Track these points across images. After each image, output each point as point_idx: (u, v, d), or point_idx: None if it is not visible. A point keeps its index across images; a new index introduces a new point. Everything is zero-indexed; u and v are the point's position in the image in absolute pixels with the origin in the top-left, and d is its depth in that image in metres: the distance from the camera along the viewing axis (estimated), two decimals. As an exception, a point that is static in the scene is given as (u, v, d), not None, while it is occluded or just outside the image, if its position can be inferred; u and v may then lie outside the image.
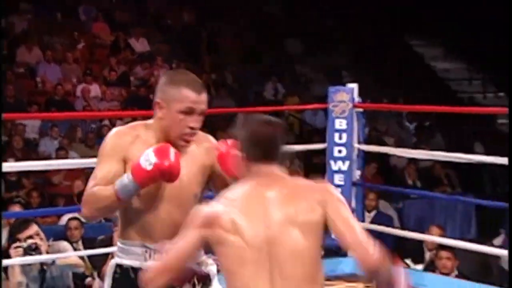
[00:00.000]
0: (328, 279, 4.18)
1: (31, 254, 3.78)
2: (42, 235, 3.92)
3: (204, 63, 10.98)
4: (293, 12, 12.84)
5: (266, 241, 1.77)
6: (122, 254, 2.13)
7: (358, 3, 12.76)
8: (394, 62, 12.77)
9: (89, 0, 11.08)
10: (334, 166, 4.48)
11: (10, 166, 5.38)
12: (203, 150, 2.16)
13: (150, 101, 9.08)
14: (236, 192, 1.85)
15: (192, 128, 2.06)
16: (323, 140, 4.69)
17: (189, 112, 2.04)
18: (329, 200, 1.83)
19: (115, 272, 2.13)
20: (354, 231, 1.80)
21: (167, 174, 1.97)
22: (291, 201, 1.81)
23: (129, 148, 2.07)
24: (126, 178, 1.98)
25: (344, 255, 4.70)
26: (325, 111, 4.83)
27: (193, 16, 11.69)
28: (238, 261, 1.77)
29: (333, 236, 4.99)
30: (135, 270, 2.09)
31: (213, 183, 2.19)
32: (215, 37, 11.50)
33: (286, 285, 1.76)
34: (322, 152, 4.82)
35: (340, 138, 4.44)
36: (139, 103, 9.02)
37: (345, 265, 4.48)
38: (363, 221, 4.76)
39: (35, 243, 3.80)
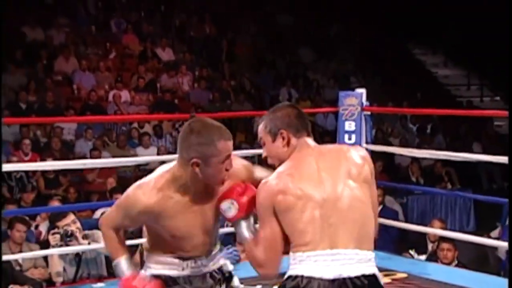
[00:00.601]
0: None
1: (67, 240, 3.82)
2: (78, 224, 3.96)
3: (224, 70, 10.99)
4: (304, 23, 12.82)
5: (324, 201, 1.89)
6: (158, 265, 2.08)
7: (364, 15, 12.72)
8: (398, 69, 12.71)
9: (120, 14, 11.14)
10: (344, 164, 4.46)
11: (49, 165, 5.43)
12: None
13: (175, 105, 9.12)
14: (291, 166, 1.94)
15: (228, 170, 2.00)
16: (333, 141, 4.67)
17: (226, 159, 1.99)
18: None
19: None
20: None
21: None
22: (335, 165, 1.95)
23: (158, 210, 1.99)
24: (117, 266, 2.07)
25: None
26: (336, 114, 4.80)
27: (214, 28, 11.70)
28: (306, 221, 1.86)
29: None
30: (173, 279, 2.08)
31: None
32: (234, 46, 11.51)
33: (347, 238, 1.88)
34: (333, 151, 4.77)
35: (350, 138, 4.42)
36: (165, 107, 9.07)
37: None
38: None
39: (71, 230, 3.84)
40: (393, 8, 12.58)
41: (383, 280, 3.99)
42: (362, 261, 1.88)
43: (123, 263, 2.06)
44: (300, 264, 1.87)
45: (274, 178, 1.93)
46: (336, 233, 1.87)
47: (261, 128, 2.02)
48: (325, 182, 1.91)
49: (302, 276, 1.86)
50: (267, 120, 2.01)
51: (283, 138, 1.97)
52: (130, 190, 2.03)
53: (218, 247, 2.20)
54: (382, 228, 5.22)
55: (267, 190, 1.91)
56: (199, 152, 1.95)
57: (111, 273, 4.16)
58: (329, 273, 1.84)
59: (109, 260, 4.16)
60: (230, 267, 2.22)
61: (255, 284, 3.93)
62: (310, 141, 2.00)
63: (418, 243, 5.09)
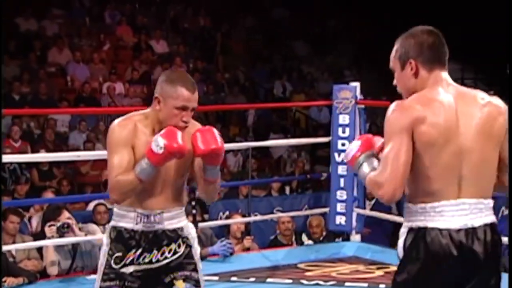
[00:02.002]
0: (332, 261, 4.19)
1: (63, 232, 3.82)
2: (73, 220, 3.96)
3: (218, 63, 10.97)
4: (299, 16, 12.81)
5: (460, 149, 1.79)
6: (118, 218, 2.21)
7: (360, 9, 12.72)
8: (392, 63, 12.70)
9: (114, 6, 11.09)
10: (338, 158, 4.48)
11: (42, 156, 5.42)
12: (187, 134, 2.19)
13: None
14: (427, 99, 1.81)
15: (184, 122, 2.13)
16: (327, 134, 4.69)
17: (183, 108, 2.12)
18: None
19: (110, 233, 2.22)
20: None
21: (176, 154, 2.07)
22: (473, 112, 1.82)
23: (133, 137, 2.14)
24: (144, 163, 2.07)
25: (347, 239, 4.69)
26: (330, 107, 4.82)
27: (208, 20, 11.67)
28: (438, 165, 1.77)
29: (336, 222, 4.95)
30: (128, 231, 2.19)
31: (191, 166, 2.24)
32: (228, 39, 11.48)
33: (472, 188, 1.80)
34: (327, 145, 4.82)
35: (344, 132, 4.44)
36: (159, 99, 9.04)
37: (347, 249, 4.47)
38: (364, 208, 4.75)
39: (68, 223, 3.84)
40: (389, 2, 12.58)
41: (377, 273, 4.02)
42: (484, 210, 1.82)
43: (139, 165, 2.08)
44: (422, 215, 1.79)
45: (415, 101, 1.80)
46: (463, 185, 1.79)
47: (392, 53, 1.93)
48: (463, 128, 1.79)
49: (425, 228, 1.78)
50: (398, 45, 1.91)
51: (411, 69, 1.87)
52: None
53: (181, 209, 2.24)
54: (376, 222, 5.28)
55: (410, 110, 1.78)
56: (162, 88, 2.14)
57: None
58: (455, 223, 1.79)
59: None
60: (192, 232, 2.25)
61: (248, 277, 3.94)
62: (445, 75, 1.87)
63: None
